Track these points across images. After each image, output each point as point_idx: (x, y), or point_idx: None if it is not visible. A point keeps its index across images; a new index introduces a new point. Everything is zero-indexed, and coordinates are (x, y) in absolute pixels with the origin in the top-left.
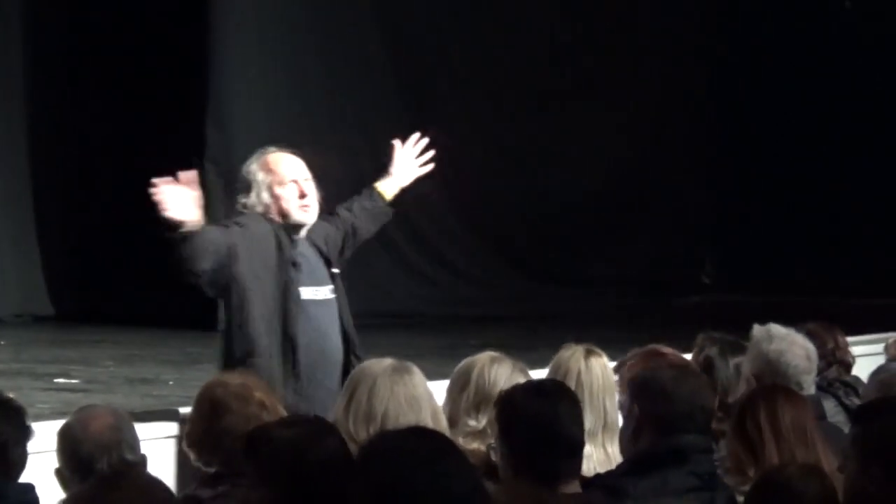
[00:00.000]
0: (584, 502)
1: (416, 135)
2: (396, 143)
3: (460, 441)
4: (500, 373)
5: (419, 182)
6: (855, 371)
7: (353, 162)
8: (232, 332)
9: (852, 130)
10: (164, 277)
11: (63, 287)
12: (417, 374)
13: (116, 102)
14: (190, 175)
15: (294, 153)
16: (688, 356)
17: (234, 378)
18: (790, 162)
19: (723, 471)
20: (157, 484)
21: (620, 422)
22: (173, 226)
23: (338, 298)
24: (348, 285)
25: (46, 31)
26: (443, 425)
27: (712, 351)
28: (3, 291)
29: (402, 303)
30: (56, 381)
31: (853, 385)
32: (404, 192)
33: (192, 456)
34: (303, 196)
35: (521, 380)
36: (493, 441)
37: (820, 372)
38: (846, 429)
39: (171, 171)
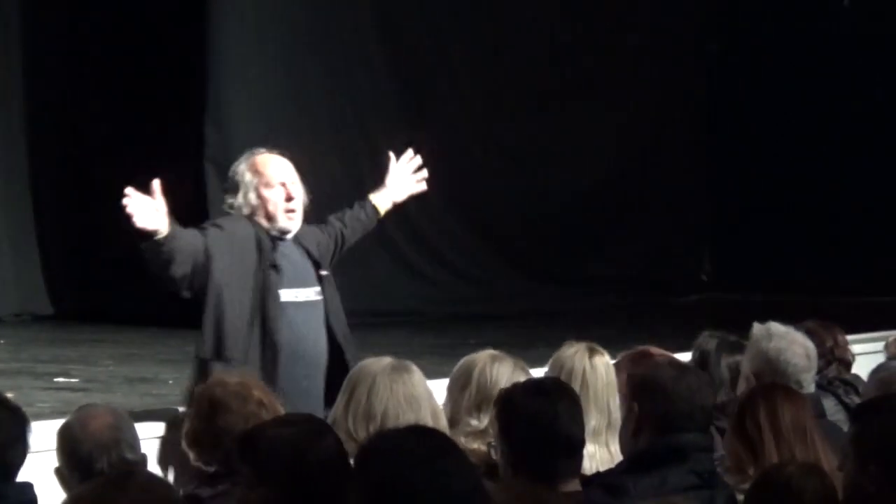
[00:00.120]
0: (582, 501)
1: (410, 151)
2: (392, 155)
3: (462, 441)
4: (502, 372)
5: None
6: (855, 369)
7: (353, 162)
8: (206, 332)
9: (852, 130)
10: None
11: (63, 286)
12: (417, 372)
13: (116, 102)
14: (154, 185)
15: (283, 154)
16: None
17: (233, 377)
18: (790, 162)
19: (722, 469)
20: (162, 484)
21: None
22: (145, 235)
23: (326, 301)
24: (348, 285)
25: (46, 31)
26: (442, 424)
27: (709, 346)
28: (3, 291)
29: (402, 302)
30: (56, 380)
31: (853, 383)
32: (398, 206)
33: (191, 455)
34: (289, 199)
35: (522, 378)
36: (493, 440)
37: (820, 370)
38: (846, 427)
39: (170, 171)
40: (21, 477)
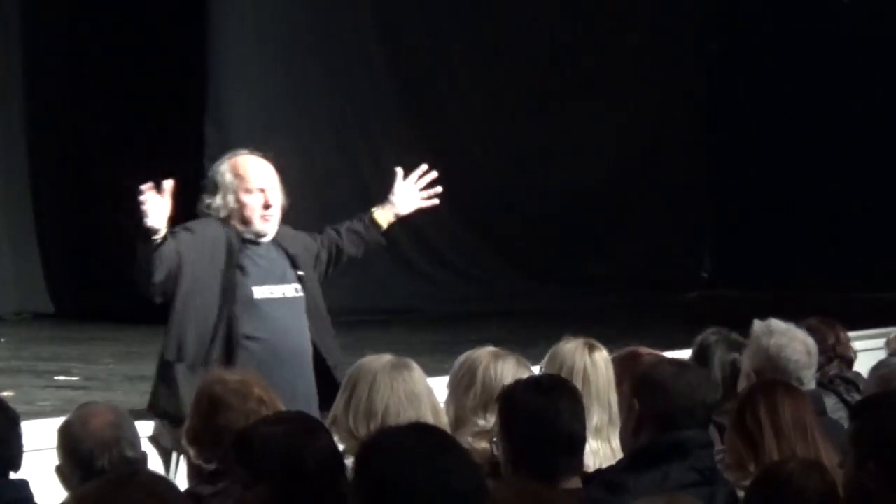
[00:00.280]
0: (583, 498)
1: (424, 166)
2: (399, 171)
3: (469, 441)
4: (505, 369)
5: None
6: (856, 367)
7: (353, 162)
8: (170, 334)
9: (852, 130)
10: None
11: (63, 285)
12: (417, 370)
13: (116, 102)
14: (166, 185)
15: (266, 158)
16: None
17: (233, 374)
18: (790, 162)
19: (723, 466)
20: (165, 483)
21: None
22: (146, 234)
23: (307, 300)
24: (349, 283)
25: (46, 31)
26: (443, 421)
27: (710, 342)
28: (3, 289)
29: (402, 301)
30: (56, 378)
31: (854, 381)
32: (401, 220)
33: (191, 453)
34: (267, 207)
35: (526, 375)
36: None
37: (821, 367)
38: (847, 425)
39: (170, 171)
40: (22, 475)
